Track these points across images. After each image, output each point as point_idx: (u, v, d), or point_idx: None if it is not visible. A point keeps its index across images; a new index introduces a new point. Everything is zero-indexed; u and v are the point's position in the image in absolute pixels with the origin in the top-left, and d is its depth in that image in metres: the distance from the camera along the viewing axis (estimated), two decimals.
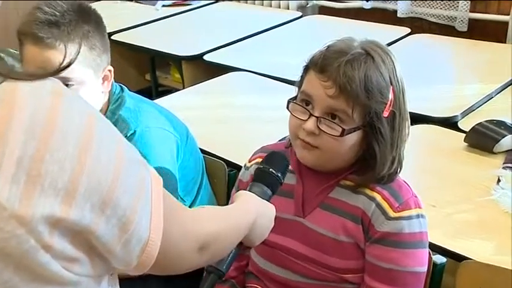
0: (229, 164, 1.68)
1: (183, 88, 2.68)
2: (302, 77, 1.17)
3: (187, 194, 1.51)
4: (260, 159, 1.26)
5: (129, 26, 2.97)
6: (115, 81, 1.42)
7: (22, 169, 0.56)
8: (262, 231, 0.98)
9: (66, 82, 1.24)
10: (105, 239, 0.63)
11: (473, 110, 2.07)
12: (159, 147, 1.36)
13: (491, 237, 1.41)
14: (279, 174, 1.05)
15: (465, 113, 2.04)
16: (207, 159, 1.66)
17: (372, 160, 1.13)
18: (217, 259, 0.90)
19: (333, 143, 1.11)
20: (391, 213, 1.13)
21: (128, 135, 1.34)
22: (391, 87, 1.11)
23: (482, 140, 1.79)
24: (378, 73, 1.10)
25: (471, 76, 2.41)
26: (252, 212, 0.94)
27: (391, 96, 1.11)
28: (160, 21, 3.24)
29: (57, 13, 1.23)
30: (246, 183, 1.27)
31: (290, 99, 1.17)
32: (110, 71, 1.34)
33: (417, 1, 3.11)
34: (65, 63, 0.68)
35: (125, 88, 1.45)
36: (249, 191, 1.02)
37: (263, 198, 1.01)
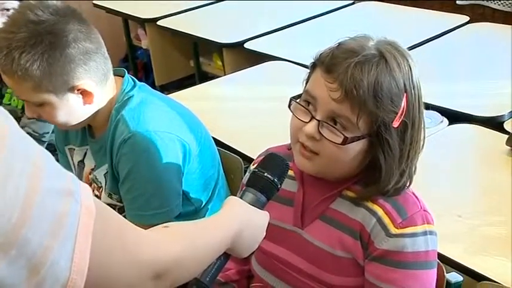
0: (249, 159, 1.64)
1: (224, 75, 2.66)
2: (309, 74, 1.08)
3: (206, 190, 1.48)
4: None
5: (174, 12, 2.98)
6: (133, 76, 1.38)
7: None
8: (250, 242, 0.92)
9: (33, 105, 1.26)
10: (10, 282, 0.57)
11: None
12: (154, 153, 1.32)
13: None
14: (275, 179, 0.98)
15: None
16: (224, 154, 1.62)
17: (377, 172, 1.04)
18: (180, 284, 0.83)
19: (334, 151, 1.02)
20: (392, 230, 1.04)
21: (125, 138, 1.31)
22: (405, 95, 1.01)
23: None
24: (390, 78, 1.00)
25: None
26: (233, 226, 0.88)
27: (403, 104, 1.01)
28: (206, 7, 3.24)
29: (10, 35, 1.17)
30: (243, 186, 1.21)
31: (293, 97, 1.09)
32: (84, 88, 1.26)
33: None
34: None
35: (139, 84, 1.41)
36: (241, 197, 0.96)
37: (256, 206, 0.95)
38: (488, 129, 1.83)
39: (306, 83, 1.09)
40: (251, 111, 2.08)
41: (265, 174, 0.98)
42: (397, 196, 1.07)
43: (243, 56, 2.66)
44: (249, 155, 1.70)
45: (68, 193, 0.62)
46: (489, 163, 1.67)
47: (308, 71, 1.10)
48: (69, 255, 0.60)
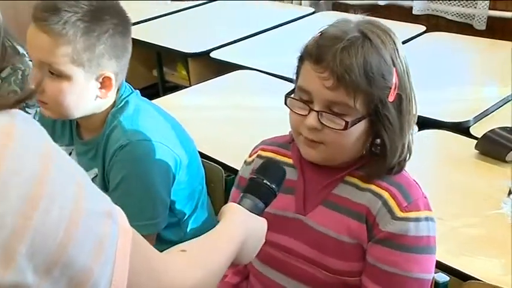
0: (227, 167, 1.65)
1: (190, 85, 2.65)
2: (298, 68, 1.10)
3: (190, 201, 1.47)
4: (261, 152, 1.24)
5: (138, 20, 2.94)
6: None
7: None
8: (250, 251, 0.93)
9: (49, 70, 1.22)
10: None
11: (488, 115, 2.02)
12: (149, 163, 1.31)
13: (499, 255, 1.35)
14: (274, 186, 0.99)
15: (478, 118, 1.99)
16: (204, 163, 1.61)
17: (382, 149, 1.07)
18: None
19: (337, 137, 1.04)
20: (398, 213, 1.06)
21: (123, 144, 1.29)
22: (394, 69, 1.04)
23: (494, 147, 1.74)
24: (378, 57, 1.02)
25: (488, 78, 2.35)
26: (239, 236, 0.88)
27: (395, 79, 1.04)
28: (169, 16, 3.22)
29: (70, 2, 1.20)
30: (242, 178, 1.24)
31: (287, 93, 1.10)
32: (109, 78, 1.27)
33: None
34: (21, 96, 0.61)
35: (136, 92, 1.41)
36: (239, 203, 0.96)
37: (254, 212, 0.95)
38: (456, 135, 1.90)
39: (297, 77, 1.10)
40: (225, 120, 2.08)
41: (264, 181, 0.98)
42: (400, 180, 1.10)
43: (208, 65, 2.66)
44: (228, 164, 1.70)
45: (107, 214, 0.63)
46: (461, 167, 1.73)
47: (296, 65, 1.10)
48: (109, 277, 0.61)
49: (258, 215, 0.96)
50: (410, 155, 1.11)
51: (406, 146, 1.09)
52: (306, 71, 1.06)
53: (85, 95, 1.27)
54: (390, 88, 1.03)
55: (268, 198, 0.98)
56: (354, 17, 1.08)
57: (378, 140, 1.08)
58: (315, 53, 1.03)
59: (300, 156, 1.14)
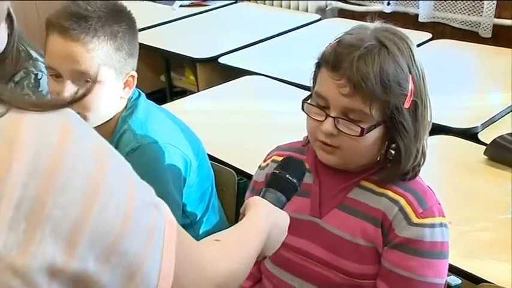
0: (239, 172, 1.66)
1: (198, 91, 2.67)
2: (315, 74, 1.12)
3: (201, 203, 1.49)
4: (276, 157, 1.25)
5: (145, 26, 2.96)
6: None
7: (21, 214, 0.52)
8: (274, 243, 0.95)
9: (84, 78, 1.24)
10: None
11: (495, 121, 2.03)
12: (161, 165, 1.32)
13: (510, 259, 1.36)
14: (295, 181, 1.02)
15: (486, 124, 2.00)
16: (216, 167, 1.63)
17: (397, 154, 1.09)
18: None
19: (353, 143, 1.06)
20: (414, 219, 1.09)
21: (134, 147, 1.31)
22: (411, 76, 1.05)
23: (503, 153, 1.75)
24: (394, 64, 1.04)
25: (494, 85, 2.37)
26: (264, 228, 0.91)
27: (411, 86, 1.05)
28: (177, 21, 3.24)
29: (89, 8, 1.23)
30: (256, 183, 1.26)
31: (304, 99, 1.13)
32: (133, 77, 1.32)
33: (440, 4, 3.06)
34: (78, 95, 0.63)
35: (143, 94, 1.43)
36: (262, 197, 0.99)
37: (276, 206, 0.98)
38: (465, 140, 1.91)
39: (314, 83, 1.12)
40: (234, 125, 2.10)
41: (287, 175, 1.01)
42: (416, 187, 1.12)
43: (217, 70, 2.68)
44: (239, 167, 1.71)
45: (154, 206, 0.65)
46: (470, 172, 1.74)
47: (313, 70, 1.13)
48: (158, 265, 0.63)
49: (280, 208, 0.98)
50: (424, 160, 1.12)
51: (420, 151, 1.10)
52: (323, 77, 1.07)
53: (113, 96, 1.30)
54: (406, 95, 1.05)
55: (289, 192, 1.01)
56: (371, 24, 1.09)
57: (393, 146, 1.10)
58: (332, 61, 1.05)
59: (316, 161, 1.16)
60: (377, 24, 1.09)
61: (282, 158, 1.24)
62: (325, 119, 1.07)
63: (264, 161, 1.29)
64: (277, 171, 1.03)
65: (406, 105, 1.05)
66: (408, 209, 1.09)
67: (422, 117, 1.08)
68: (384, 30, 1.07)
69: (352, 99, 1.03)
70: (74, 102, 0.61)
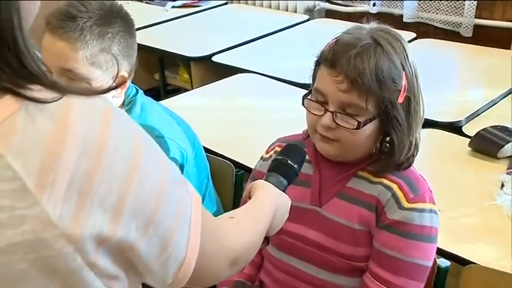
0: (235, 164, 1.70)
1: (192, 88, 2.71)
2: (314, 71, 1.18)
3: (199, 191, 1.52)
4: (278, 149, 1.28)
5: (139, 26, 2.97)
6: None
7: (74, 188, 0.57)
8: (278, 223, 0.99)
9: (70, 76, 1.26)
10: (146, 258, 0.65)
11: (478, 115, 2.09)
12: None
13: (495, 242, 1.43)
14: (296, 166, 1.07)
15: (469, 118, 2.06)
16: (214, 159, 1.68)
17: (391, 146, 1.14)
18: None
19: (350, 135, 1.12)
20: (405, 204, 1.14)
21: None
22: (404, 73, 1.10)
23: (486, 145, 1.81)
24: (388, 61, 1.09)
25: (475, 82, 2.44)
26: (271, 208, 0.95)
27: (404, 82, 1.10)
28: (170, 22, 3.28)
29: (82, 8, 1.25)
30: (260, 173, 1.28)
31: (304, 95, 1.18)
32: (124, 77, 1.32)
33: (424, 5, 3.12)
34: (113, 85, 0.68)
35: (140, 91, 1.46)
36: (266, 180, 1.03)
37: (279, 188, 1.02)
38: (451, 133, 1.97)
39: (313, 80, 1.17)
40: (227, 120, 2.15)
41: (288, 161, 1.06)
42: (409, 175, 1.17)
43: (210, 69, 2.73)
44: (235, 159, 1.76)
45: (182, 182, 0.71)
46: (456, 163, 1.79)
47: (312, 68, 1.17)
48: (186, 236, 0.68)
49: (282, 191, 1.03)
50: (417, 151, 1.18)
51: (413, 143, 1.15)
52: (322, 74, 1.13)
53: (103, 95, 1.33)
54: (400, 91, 1.09)
55: (290, 177, 1.06)
56: (367, 25, 1.14)
57: (388, 139, 1.15)
58: (330, 59, 1.10)
59: (316, 153, 1.21)
60: (372, 24, 1.14)
61: None
62: (324, 113, 1.12)
63: (267, 152, 1.34)
64: (280, 157, 1.07)
65: (400, 100, 1.10)
66: (400, 194, 1.14)
67: (415, 112, 1.13)
68: (379, 30, 1.12)
69: (349, 95, 1.09)
70: (110, 90, 0.68)
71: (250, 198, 0.99)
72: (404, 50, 1.12)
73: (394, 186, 1.16)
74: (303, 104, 1.17)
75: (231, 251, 0.80)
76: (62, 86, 0.59)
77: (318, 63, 1.16)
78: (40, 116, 0.57)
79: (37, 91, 0.57)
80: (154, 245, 0.65)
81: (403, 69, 1.11)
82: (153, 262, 0.66)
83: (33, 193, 0.55)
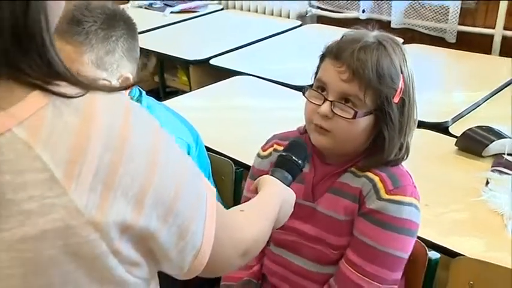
0: (234, 161, 1.74)
1: (190, 90, 2.77)
2: (318, 67, 1.21)
3: None
4: (277, 146, 1.32)
5: (139, 31, 3.05)
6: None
7: (98, 179, 0.59)
8: (284, 216, 1.01)
9: None
10: (165, 246, 0.67)
11: (463, 116, 2.15)
12: None
13: (481, 235, 1.48)
14: (300, 162, 1.11)
15: (455, 119, 2.12)
16: (215, 158, 1.72)
17: (381, 144, 1.17)
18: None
19: (345, 127, 1.15)
20: (383, 195, 1.17)
21: None
22: (402, 76, 1.15)
23: (472, 144, 1.86)
24: (389, 60, 1.13)
25: (459, 84, 2.52)
26: (277, 203, 0.98)
27: (401, 84, 1.14)
28: (169, 27, 3.33)
29: (87, 12, 1.28)
30: (259, 171, 1.31)
31: (306, 87, 1.22)
32: (128, 78, 1.35)
33: (410, 12, 3.20)
34: (130, 82, 0.71)
35: (143, 92, 1.51)
36: (272, 175, 1.07)
37: (284, 183, 1.06)
38: (438, 133, 2.02)
39: (316, 73, 1.22)
40: (225, 120, 2.20)
41: (293, 157, 1.11)
42: (394, 169, 1.20)
43: (208, 71, 2.79)
44: (234, 157, 1.81)
45: (198, 175, 0.75)
46: (443, 161, 1.85)
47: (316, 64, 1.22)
48: (202, 226, 0.71)
49: (286, 185, 1.07)
50: (407, 155, 1.21)
51: (404, 146, 1.19)
52: (326, 66, 1.17)
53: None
54: (396, 90, 1.14)
55: (295, 172, 1.10)
56: (371, 31, 1.19)
57: (380, 137, 1.18)
58: (335, 51, 1.15)
59: (311, 150, 1.23)
60: (376, 31, 1.19)
61: (282, 146, 1.29)
62: (323, 102, 1.16)
63: (264, 150, 1.36)
64: (284, 154, 1.12)
65: (396, 99, 1.14)
66: (380, 186, 1.17)
67: (408, 115, 1.17)
68: (382, 35, 1.19)
69: (349, 85, 1.13)
70: (128, 88, 0.72)
71: (257, 192, 1.02)
72: (404, 56, 1.18)
73: (376, 178, 1.19)
74: (303, 94, 1.21)
75: (242, 242, 0.82)
76: (85, 83, 0.62)
77: (322, 58, 1.20)
78: (66, 110, 0.59)
79: (63, 87, 0.60)
80: (173, 233, 0.67)
81: (401, 72, 1.15)
82: (171, 250, 0.68)
83: (61, 183, 0.57)
